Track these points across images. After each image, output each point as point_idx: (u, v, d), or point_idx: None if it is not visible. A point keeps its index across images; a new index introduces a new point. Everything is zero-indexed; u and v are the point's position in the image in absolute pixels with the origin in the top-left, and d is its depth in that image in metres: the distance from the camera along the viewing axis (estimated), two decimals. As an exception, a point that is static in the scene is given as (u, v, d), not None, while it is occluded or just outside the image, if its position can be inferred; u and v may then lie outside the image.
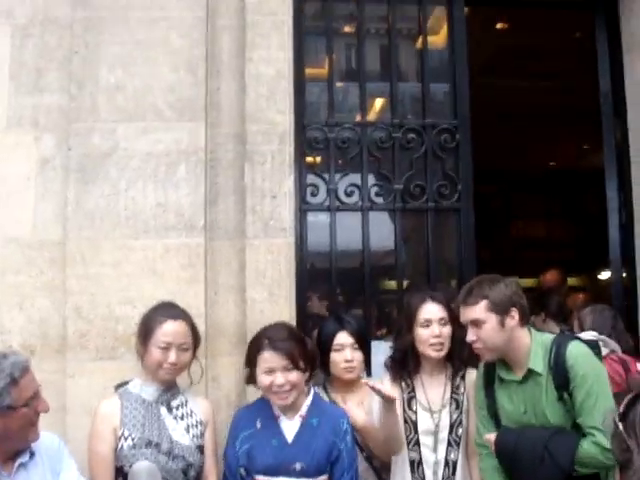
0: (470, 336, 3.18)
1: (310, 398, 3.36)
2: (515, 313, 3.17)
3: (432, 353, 3.45)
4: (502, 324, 3.15)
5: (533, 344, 3.19)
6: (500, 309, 3.14)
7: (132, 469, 3.06)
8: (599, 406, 2.98)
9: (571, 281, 8.22)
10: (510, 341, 3.17)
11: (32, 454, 2.70)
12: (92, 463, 3.10)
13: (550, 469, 2.99)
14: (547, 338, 3.23)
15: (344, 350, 3.52)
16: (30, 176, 3.75)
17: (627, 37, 4.51)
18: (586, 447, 2.98)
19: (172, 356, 3.15)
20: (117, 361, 3.54)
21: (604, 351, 3.70)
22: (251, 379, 3.37)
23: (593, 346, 3.23)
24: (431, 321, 3.45)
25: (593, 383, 3.04)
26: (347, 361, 3.52)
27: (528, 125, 8.07)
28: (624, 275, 4.59)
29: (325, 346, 3.55)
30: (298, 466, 3.17)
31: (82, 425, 3.30)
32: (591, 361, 3.14)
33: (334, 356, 3.54)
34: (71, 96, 3.73)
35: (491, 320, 3.14)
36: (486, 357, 3.24)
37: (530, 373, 3.16)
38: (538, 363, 3.15)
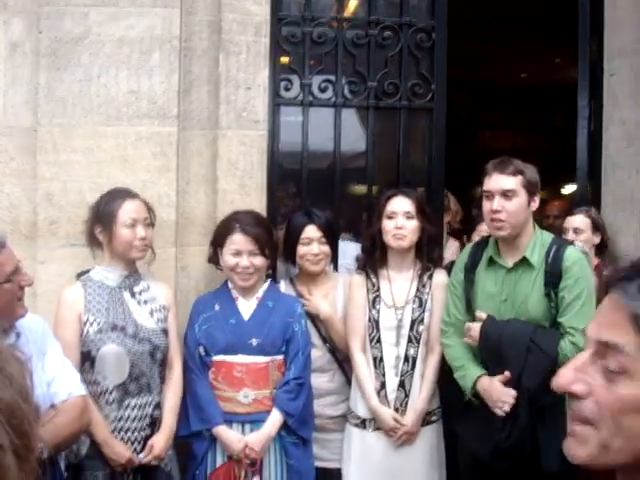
0: (496, 205, 3.16)
1: (267, 284, 3.49)
2: (537, 199, 3.21)
3: (393, 243, 3.52)
4: (528, 204, 3.18)
5: (534, 237, 3.24)
6: (531, 189, 3.18)
7: (99, 353, 3.12)
8: (584, 310, 3.07)
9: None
10: (524, 225, 3.21)
11: (18, 335, 2.70)
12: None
13: (538, 358, 3.07)
14: (547, 236, 3.28)
15: (312, 243, 3.58)
16: (-1, 61, 3.65)
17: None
18: (563, 345, 3.07)
19: (140, 231, 3.19)
20: (87, 247, 3.53)
21: None
22: (214, 259, 3.45)
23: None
24: (396, 213, 3.51)
25: (584, 289, 3.13)
26: (314, 254, 3.59)
27: (502, 35, 7.99)
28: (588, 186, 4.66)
29: (293, 238, 3.62)
30: (254, 342, 3.32)
31: (53, 311, 3.32)
32: (586, 268, 3.23)
33: (301, 249, 3.60)
34: (41, -23, 3.61)
35: (522, 196, 3.16)
36: (501, 232, 3.21)
37: (522, 263, 3.21)
38: (534, 255, 3.20)
